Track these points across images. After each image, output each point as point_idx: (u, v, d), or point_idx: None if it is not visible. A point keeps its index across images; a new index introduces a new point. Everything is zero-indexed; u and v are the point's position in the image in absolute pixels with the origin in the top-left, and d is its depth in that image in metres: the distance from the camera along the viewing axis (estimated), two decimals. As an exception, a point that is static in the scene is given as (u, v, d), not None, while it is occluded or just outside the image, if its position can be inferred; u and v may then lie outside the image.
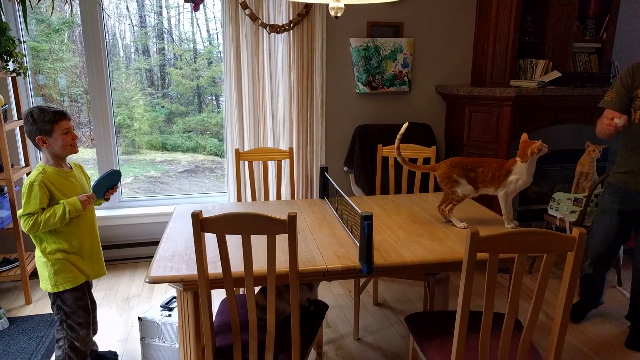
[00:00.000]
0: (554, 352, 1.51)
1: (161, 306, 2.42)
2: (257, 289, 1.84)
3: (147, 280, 1.59)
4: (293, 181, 2.89)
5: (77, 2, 3.26)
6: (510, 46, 3.43)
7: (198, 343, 1.70)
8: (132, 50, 3.94)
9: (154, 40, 3.91)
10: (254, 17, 3.25)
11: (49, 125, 1.95)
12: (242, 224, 1.49)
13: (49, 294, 2.07)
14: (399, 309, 2.95)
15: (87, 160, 4.04)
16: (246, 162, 2.86)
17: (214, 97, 4.21)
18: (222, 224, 1.49)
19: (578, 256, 1.41)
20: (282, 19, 3.31)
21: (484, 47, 3.62)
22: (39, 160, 2.04)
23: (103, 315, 2.84)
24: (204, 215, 1.50)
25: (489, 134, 3.44)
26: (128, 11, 3.72)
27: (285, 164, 3.40)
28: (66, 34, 3.69)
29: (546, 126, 3.48)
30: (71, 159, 2.14)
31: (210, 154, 4.43)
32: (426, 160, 2.78)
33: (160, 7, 3.79)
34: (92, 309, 2.24)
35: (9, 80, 3.17)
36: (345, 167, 3.72)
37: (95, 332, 2.29)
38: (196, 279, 1.55)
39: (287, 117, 3.48)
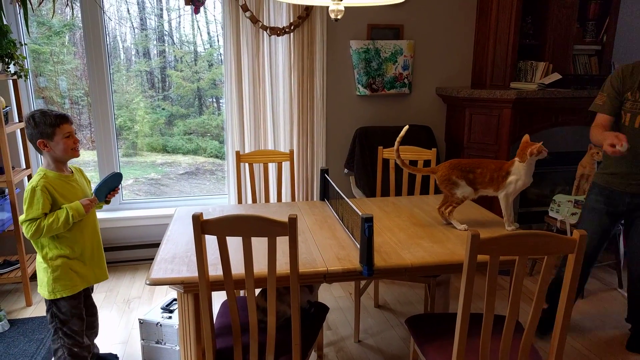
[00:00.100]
0: (555, 355, 1.51)
1: (162, 308, 2.42)
2: (257, 291, 1.84)
3: (147, 283, 1.59)
4: (293, 183, 2.89)
5: (78, 4, 3.27)
6: (511, 48, 3.44)
7: (198, 345, 1.70)
8: (133, 52, 3.95)
9: (155, 42, 3.92)
10: (254, 20, 3.26)
11: (50, 128, 1.94)
12: (243, 226, 1.49)
13: (45, 300, 2.04)
14: (399, 311, 2.95)
15: (87, 162, 4.04)
16: (247, 164, 2.87)
17: (214, 100, 4.21)
18: (223, 226, 1.49)
19: (579, 258, 1.41)
20: (282, 21, 3.32)
21: (484, 49, 3.63)
22: (40, 163, 2.03)
23: (103, 317, 2.84)
24: (205, 217, 1.50)
25: (490, 136, 3.45)
26: (129, 14, 3.72)
27: (285, 166, 3.40)
28: (67, 37, 3.70)
29: (546, 128, 3.49)
30: (72, 162, 2.12)
31: (211, 156, 4.44)
32: (427, 163, 2.78)
33: (161, 9, 3.80)
34: (91, 313, 2.23)
35: (10, 82, 3.18)
36: (345, 169, 3.72)
37: (95, 335, 2.28)
38: (197, 281, 1.55)
39: (287, 120, 3.48)
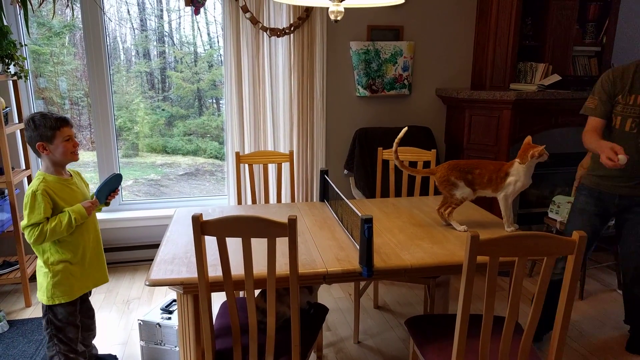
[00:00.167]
0: (555, 356, 1.51)
1: (161, 309, 2.42)
2: (257, 292, 1.84)
3: (147, 283, 1.59)
4: (293, 184, 2.89)
5: (78, 5, 3.27)
6: (510, 49, 3.44)
7: (198, 346, 1.70)
8: (133, 53, 3.95)
9: (155, 43, 3.92)
10: (254, 21, 3.26)
11: (50, 131, 1.91)
12: (243, 227, 1.49)
13: (42, 305, 2.02)
14: (399, 312, 2.95)
15: (87, 163, 4.04)
16: (246, 165, 2.87)
17: (214, 100, 4.21)
18: (223, 227, 1.49)
19: (578, 259, 1.41)
20: (282, 22, 3.32)
21: (484, 50, 3.63)
22: (39, 166, 2.02)
23: (103, 318, 2.84)
24: (204, 218, 1.50)
25: (489, 137, 3.45)
26: (129, 14, 3.73)
27: (285, 167, 3.40)
28: (67, 37, 3.70)
29: (546, 129, 3.49)
30: (70, 165, 2.10)
31: (211, 157, 4.44)
32: (426, 164, 2.78)
33: (161, 10, 3.80)
34: (89, 315, 2.22)
35: (10, 83, 3.18)
36: (345, 170, 3.73)
37: (93, 336, 2.28)
38: (196, 281, 1.55)
39: (287, 120, 3.49)
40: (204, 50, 4.02)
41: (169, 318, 2.34)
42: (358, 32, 3.60)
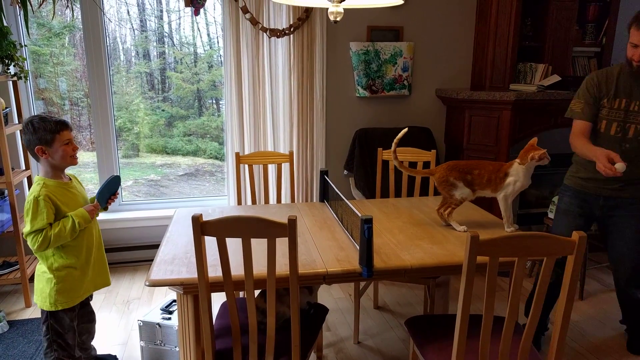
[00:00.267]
0: (555, 356, 1.51)
1: (161, 309, 2.42)
2: (257, 292, 1.84)
3: (147, 284, 1.59)
4: (293, 185, 2.89)
5: (78, 6, 3.27)
6: (510, 50, 3.44)
7: (198, 346, 1.70)
8: (133, 54, 3.96)
9: (155, 44, 3.92)
10: (254, 22, 3.26)
11: (50, 135, 1.88)
12: (243, 227, 1.49)
13: (42, 311, 1.98)
14: (399, 312, 2.95)
15: (87, 163, 4.04)
16: (246, 166, 2.87)
17: (214, 101, 4.22)
18: (223, 228, 1.50)
19: (578, 260, 1.41)
20: (282, 23, 3.32)
21: (484, 51, 3.63)
22: (39, 166, 1.99)
23: (103, 318, 2.84)
24: (204, 218, 1.50)
25: (489, 138, 3.45)
26: (129, 15, 3.73)
27: (285, 167, 3.40)
28: (67, 38, 3.71)
29: (546, 130, 3.49)
30: (68, 169, 2.08)
31: (211, 158, 4.44)
32: (426, 164, 2.78)
33: (161, 11, 3.80)
34: (89, 319, 2.20)
35: (10, 84, 3.18)
36: (345, 171, 3.73)
37: (92, 338, 2.26)
38: (196, 282, 1.55)
39: (287, 121, 3.49)
40: (204, 50, 4.02)
41: (169, 318, 2.34)
42: (358, 32, 3.61)
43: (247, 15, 3.24)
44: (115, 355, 2.43)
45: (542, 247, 1.39)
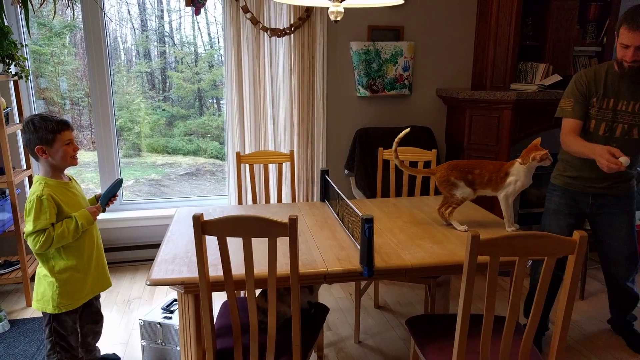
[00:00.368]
0: (555, 355, 1.51)
1: (162, 309, 2.42)
2: (258, 291, 1.84)
3: (148, 283, 1.59)
4: (294, 184, 2.89)
5: (79, 5, 3.27)
6: (511, 50, 3.44)
7: (199, 346, 1.70)
8: (134, 53, 3.96)
9: (155, 43, 3.92)
10: (255, 21, 3.26)
11: (51, 134, 1.86)
12: (243, 226, 1.49)
13: (44, 314, 1.96)
14: (399, 311, 2.95)
15: (88, 163, 4.05)
16: (247, 165, 2.87)
17: (214, 100, 4.22)
18: (223, 227, 1.50)
19: (579, 259, 1.41)
20: (283, 22, 3.32)
21: (485, 50, 3.63)
22: (39, 166, 1.98)
23: (104, 318, 2.84)
24: (205, 218, 1.50)
25: (490, 137, 3.45)
26: (129, 15, 3.73)
27: (286, 167, 3.40)
28: (68, 38, 3.71)
29: (547, 129, 3.49)
30: (67, 170, 2.06)
31: (211, 157, 4.44)
32: (427, 164, 2.78)
33: (162, 10, 3.80)
34: (95, 320, 2.18)
35: (11, 83, 3.19)
36: (346, 170, 3.73)
37: (97, 340, 2.26)
38: (197, 281, 1.55)
39: (288, 120, 3.49)
40: (205, 50, 4.02)
41: (170, 318, 2.34)
42: (358, 32, 3.60)
43: (248, 15, 3.24)
44: (117, 355, 2.43)
45: (543, 247, 1.39)
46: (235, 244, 1.73)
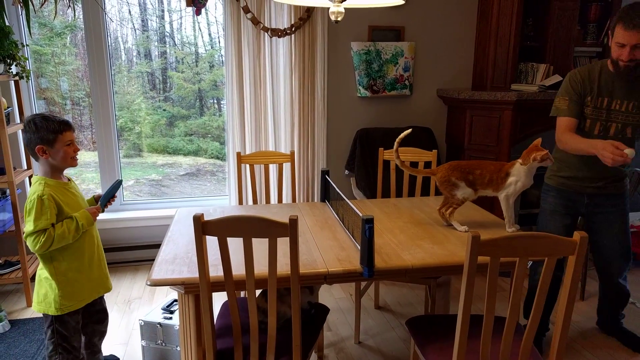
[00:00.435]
0: (556, 356, 1.51)
1: (162, 309, 2.42)
2: (258, 292, 1.84)
3: (148, 283, 1.59)
4: (294, 184, 2.89)
5: (80, 6, 3.28)
6: (511, 50, 3.44)
7: (199, 346, 1.70)
8: (134, 53, 3.96)
9: (156, 43, 3.93)
10: (255, 21, 3.27)
11: (52, 134, 1.85)
12: (244, 227, 1.49)
13: (46, 316, 1.95)
14: (399, 312, 2.95)
15: (88, 163, 4.05)
16: (247, 166, 2.87)
17: (215, 101, 4.22)
18: (224, 227, 1.50)
19: (579, 260, 1.41)
20: (283, 23, 3.32)
21: (485, 51, 3.63)
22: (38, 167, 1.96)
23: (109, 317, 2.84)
24: (206, 218, 1.50)
25: (490, 138, 3.45)
26: (130, 15, 3.73)
27: (286, 167, 3.40)
28: (68, 38, 3.71)
29: (547, 130, 3.48)
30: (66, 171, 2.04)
31: (212, 157, 4.44)
32: (427, 164, 2.78)
33: (162, 11, 3.81)
34: (99, 320, 2.17)
35: (12, 83, 3.19)
36: (346, 171, 3.73)
37: (103, 337, 2.25)
38: (197, 281, 1.56)
39: (288, 121, 3.49)
40: (205, 50, 4.03)
41: (170, 318, 2.34)
42: (359, 32, 3.61)
43: (249, 15, 3.24)
44: (116, 356, 2.43)
45: (544, 248, 1.39)
46: (235, 244, 1.73)
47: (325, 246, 1.88)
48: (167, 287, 3.12)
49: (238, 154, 2.81)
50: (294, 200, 2.95)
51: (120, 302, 3.06)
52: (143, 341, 2.36)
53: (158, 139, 4.23)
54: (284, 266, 1.65)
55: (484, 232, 2.01)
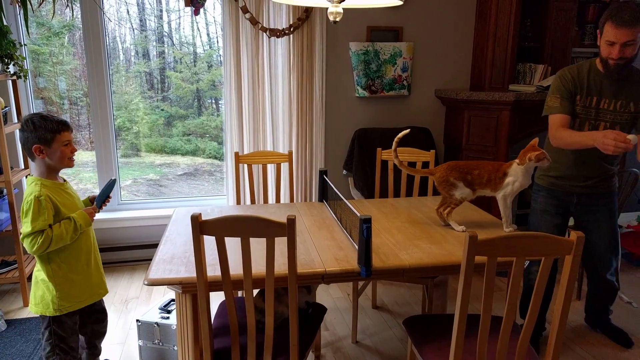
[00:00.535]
0: (552, 355, 1.52)
1: (160, 309, 2.42)
2: (255, 291, 1.84)
3: (145, 283, 1.59)
4: (292, 184, 2.89)
5: (78, 5, 3.27)
6: (510, 51, 3.45)
7: (196, 345, 1.70)
8: (132, 53, 3.96)
9: (154, 43, 3.92)
10: (254, 21, 3.27)
11: (50, 134, 1.83)
12: (241, 226, 1.49)
13: (43, 317, 1.93)
14: (397, 312, 2.95)
15: (86, 163, 4.05)
16: (245, 165, 2.87)
17: (213, 101, 4.22)
18: (221, 227, 1.50)
19: (576, 259, 1.42)
20: (282, 23, 3.33)
21: (483, 51, 3.64)
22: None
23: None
24: (203, 218, 1.50)
25: (488, 138, 3.45)
26: (128, 14, 3.73)
27: (284, 167, 3.40)
28: (66, 37, 3.71)
29: (545, 130, 3.48)
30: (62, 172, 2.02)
31: (210, 157, 4.44)
32: (425, 164, 2.78)
33: (161, 10, 3.80)
34: (98, 320, 2.15)
35: (9, 83, 3.18)
36: (344, 171, 3.73)
37: (102, 337, 2.24)
38: (195, 281, 1.55)
39: (286, 121, 3.49)
40: (204, 50, 4.03)
41: (168, 318, 2.34)
42: (357, 32, 3.61)
43: (247, 15, 3.24)
44: None
45: (540, 247, 1.40)
46: (233, 244, 1.73)
47: (322, 246, 1.88)
48: (165, 287, 3.12)
49: (236, 153, 2.81)
50: (291, 200, 2.95)
51: (118, 302, 3.06)
52: (140, 341, 2.36)
53: (156, 139, 4.23)
54: (281, 266, 1.65)
55: (481, 232, 2.01)
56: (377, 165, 2.85)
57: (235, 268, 1.62)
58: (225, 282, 1.55)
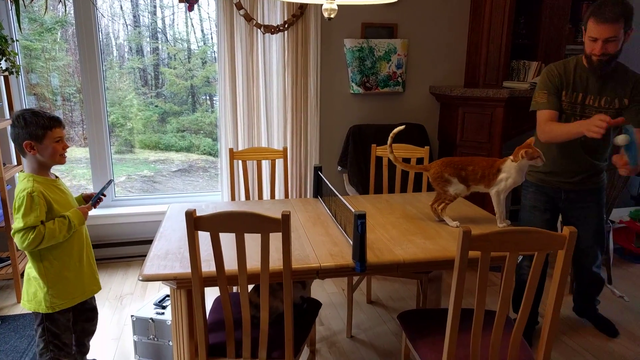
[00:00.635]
0: (544, 349, 1.53)
1: (154, 304, 2.42)
2: (250, 287, 1.84)
3: (140, 279, 1.59)
4: (287, 180, 2.89)
5: (71, 1, 3.25)
6: (504, 48, 3.46)
7: (191, 341, 1.71)
8: (126, 49, 3.94)
9: (148, 39, 3.91)
10: (248, 18, 3.26)
11: (41, 130, 1.81)
12: (236, 222, 1.49)
13: (36, 314, 1.92)
14: (391, 306, 2.97)
15: (79, 159, 4.02)
16: (240, 162, 2.87)
17: (207, 97, 4.21)
18: (216, 223, 1.50)
19: (569, 254, 1.43)
20: (276, 19, 3.32)
21: (478, 48, 3.65)
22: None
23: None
24: (198, 213, 1.51)
25: (482, 135, 3.47)
26: (122, 10, 3.71)
27: (279, 163, 3.40)
28: (59, 33, 3.68)
29: (538, 127, 3.51)
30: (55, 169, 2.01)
31: (204, 154, 4.43)
32: (419, 160, 2.79)
33: (155, 6, 3.78)
34: (88, 318, 2.15)
35: (1, 79, 3.16)
36: (339, 167, 3.74)
37: (91, 336, 2.23)
38: (189, 277, 1.56)
39: (281, 117, 3.49)
40: (198, 46, 4.01)
41: (162, 313, 2.34)
42: (352, 29, 3.61)
43: (241, 12, 3.24)
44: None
45: (534, 242, 1.41)
46: (227, 240, 1.73)
47: (317, 241, 1.88)
48: (159, 283, 3.12)
49: (230, 150, 2.80)
50: (286, 196, 2.95)
51: (112, 298, 3.05)
52: (135, 336, 2.36)
53: (150, 135, 4.22)
54: (276, 261, 1.65)
55: (475, 227, 2.02)
56: (371, 161, 2.86)
57: (230, 263, 1.62)
58: (220, 278, 1.56)
